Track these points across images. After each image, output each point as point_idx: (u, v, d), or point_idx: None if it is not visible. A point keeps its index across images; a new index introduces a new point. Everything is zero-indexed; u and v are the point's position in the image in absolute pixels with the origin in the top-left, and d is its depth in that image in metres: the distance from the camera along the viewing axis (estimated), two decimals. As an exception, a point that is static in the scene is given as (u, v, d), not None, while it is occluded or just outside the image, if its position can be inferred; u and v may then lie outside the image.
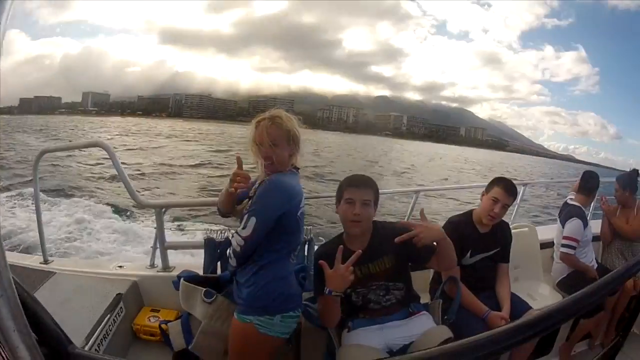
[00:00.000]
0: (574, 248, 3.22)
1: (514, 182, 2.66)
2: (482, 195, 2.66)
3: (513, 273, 2.99)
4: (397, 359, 0.65)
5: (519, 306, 2.59)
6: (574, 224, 3.24)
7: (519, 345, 0.75)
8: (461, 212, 2.80)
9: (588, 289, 0.93)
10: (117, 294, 2.42)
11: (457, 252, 2.37)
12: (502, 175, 2.74)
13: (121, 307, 2.41)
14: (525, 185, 4.18)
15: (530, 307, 2.61)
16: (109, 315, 2.23)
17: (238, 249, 1.85)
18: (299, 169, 2.02)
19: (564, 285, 3.32)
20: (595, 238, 3.57)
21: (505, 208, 2.56)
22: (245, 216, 1.84)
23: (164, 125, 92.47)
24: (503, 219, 2.72)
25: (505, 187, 2.55)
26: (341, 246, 1.94)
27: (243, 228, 1.82)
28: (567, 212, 3.35)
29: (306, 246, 2.31)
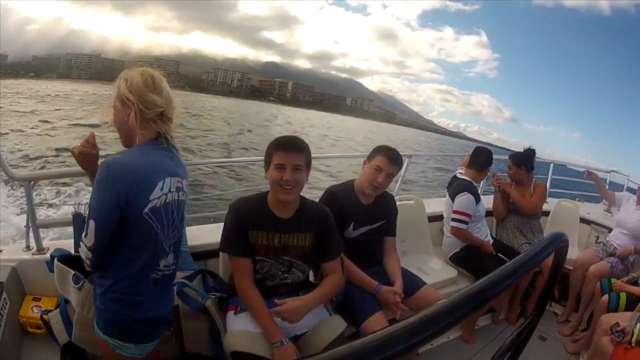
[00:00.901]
0: (465, 222, 3.29)
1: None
2: (364, 163, 2.57)
3: (400, 247, 3.01)
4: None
5: (412, 281, 2.58)
6: (464, 198, 3.30)
7: (433, 338, 0.67)
8: (340, 182, 2.70)
9: (504, 270, 0.89)
10: None
11: (339, 223, 2.37)
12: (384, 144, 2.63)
13: (5, 299, 2.15)
14: (409, 157, 4.19)
15: (425, 283, 2.62)
16: None
17: (88, 262, 1.52)
18: (168, 138, 1.62)
19: (458, 259, 3.41)
20: (487, 214, 3.68)
21: (389, 177, 2.49)
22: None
23: (45, 86, 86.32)
24: (387, 191, 2.67)
25: (389, 156, 2.47)
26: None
27: (85, 235, 1.49)
28: (456, 186, 3.41)
29: None
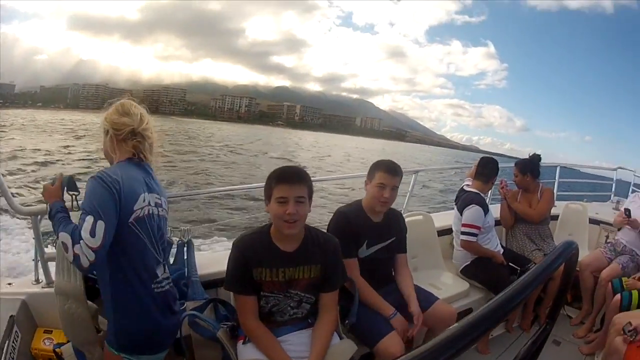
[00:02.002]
0: (475, 235, 3.26)
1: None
2: (366, 184, 2.57)
3: (412, 263, 2.98)
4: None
5: (424, 298, 2.57)
6: (472, 211, 3.28)
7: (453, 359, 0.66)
8: (347, 203, 2.70)
9: (518, 284, 0.90)
10: (10, 317, 2.17)
11: (353, 243, 2.38)
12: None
13: (16, 331, 2.16)
14: (416, 172, 4.19)
15: (437, 298, 2.61)
16: (7, 342, 2.00)
17: (87, 264, 1.51)
18: (142, 157, 1.82)
19: (469, 272, 3.38)
20: (497, 223, 3.65)
21: (394, 190, 2.49)
22: (87, 219, 1.52)
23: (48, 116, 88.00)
24: (396, 209, 2.70)
25: (387, 169, 2.48)
26: None
27: (92, 236, 1.50)
28: (464, 199, 3.39)
29: (184, 249, 2.34)
